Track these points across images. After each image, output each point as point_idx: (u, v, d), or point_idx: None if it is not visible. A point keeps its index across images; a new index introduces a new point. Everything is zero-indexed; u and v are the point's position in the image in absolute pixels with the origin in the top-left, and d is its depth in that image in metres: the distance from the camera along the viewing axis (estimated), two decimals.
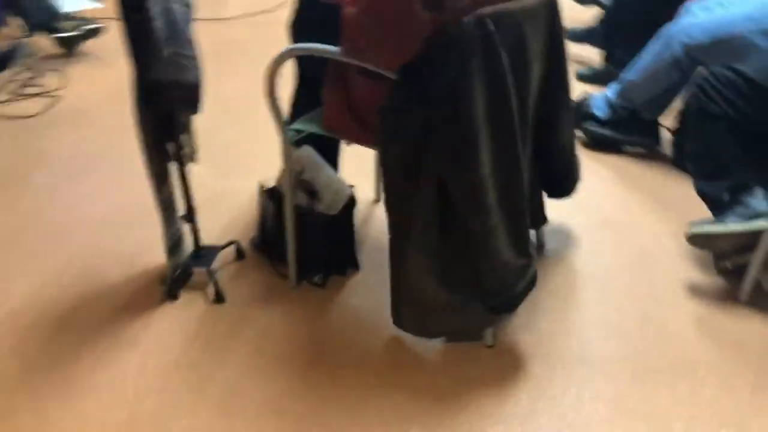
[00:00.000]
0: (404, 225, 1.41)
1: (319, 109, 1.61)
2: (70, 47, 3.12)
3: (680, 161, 2.29)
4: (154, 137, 1.54)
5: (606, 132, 2.38)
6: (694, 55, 2.08)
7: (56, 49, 3.13)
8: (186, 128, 1.61)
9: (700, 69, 1.88)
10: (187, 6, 1.50)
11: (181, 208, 1.68)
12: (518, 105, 1.35)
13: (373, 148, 1.55)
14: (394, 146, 1.36)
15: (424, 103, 1.30)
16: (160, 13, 1.39)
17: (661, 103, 2.28)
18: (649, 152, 2.40)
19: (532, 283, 1.49)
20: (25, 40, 3.04)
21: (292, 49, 1.50)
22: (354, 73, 1.45)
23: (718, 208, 1.70)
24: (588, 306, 1.71)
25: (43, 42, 3.12)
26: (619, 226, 2.02)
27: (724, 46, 2.00)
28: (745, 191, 1.64)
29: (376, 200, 2.11)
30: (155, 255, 1.79)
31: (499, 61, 1.28)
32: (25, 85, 2.84)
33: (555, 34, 1.55)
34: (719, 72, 1.66)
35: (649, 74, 2.21)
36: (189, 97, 1.50)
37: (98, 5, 3.83)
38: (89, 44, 3.16)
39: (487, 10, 1.26)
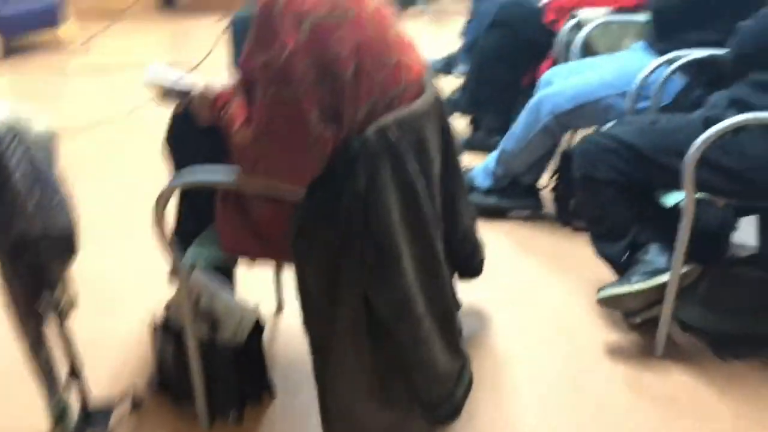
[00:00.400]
0: (329, 346, 1.30)
1: (211, 229, 1.48)
2: None
3: (564, 218, 2.38)
4: (25, 295, 1.32)
5: (491, 200, 2.43)
6: (562, 121, 2.19)
7: None
8: (61, 276, 1.40)
9: (578, 136, 1.98)
10: (48, 148, 1.32)
11: (63, 367, 1.45)
12: (429, 204, 1.31)
13: (281, 262, 1.44)
14: (309, 269, 1.25)
15: (335, 221, 1.22)
16: (18, 162, 1.21)
17: (538, 168, 2.37)
18: (533, 213, 2.48)
19: (470, 385, 1.43)
20: None
21: (181, 181, 1.36)
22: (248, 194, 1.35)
23: (620, 269, 1.75)
24: (520, 388, 1.67)
25: None
26: (527, 297, 2.03)
27: (588, 110, 2.13)
28: (642, 248, 1.70)
29: (279, 309, 1.97)
30: (37, 427, 1.52)
31: (406, 168, 1.24)
32: None
33: (444, 123, 1.55)
34: (596, 140, 1.73)
35: (524, 143, 2.29)
36: (62, 245, 1.31)
37: None
38: None
39: (389, 119, 1.22)
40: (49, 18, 4.87)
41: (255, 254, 1.41)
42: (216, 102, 1.40)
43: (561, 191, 2.35)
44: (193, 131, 1.56)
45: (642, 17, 2.40)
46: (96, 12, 5.89)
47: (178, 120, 1.63)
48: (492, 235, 2.35)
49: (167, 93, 1.55)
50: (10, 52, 4.70)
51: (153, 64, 1.53)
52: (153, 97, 1.58)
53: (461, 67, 3.53)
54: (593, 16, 2.45)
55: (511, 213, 2.47)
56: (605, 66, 2.19)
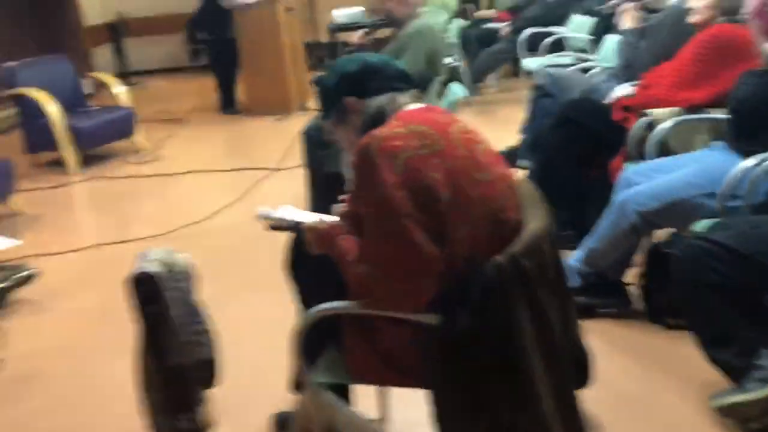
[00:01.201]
0: None
1: (333, 353, 1.54)
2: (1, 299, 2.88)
3: (656, 315, 2.37)
4: (169, 417, 1.39)
5: (580, 299, 2.44)
6: (649, 219, 2.22)
7: None
8: (202, 398, 1.47)
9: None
10: (188, 278, 1.43)
11: None
12: (559, 327, 1.35)
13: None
14: (446, 394, 1.30)
15: (472, 348, 1.27)
16: (173, 297, 1.31)
17: (624, 265, 2.39)
18: (622, 310, 2.48)
19: None
20: None
21: (318, 311, 1.43)
22: (374, 320, 1.41)
23: (733, 375, 1.74)
24: None
25: None
26: (632, 399, 2.01)
27: (676, 209, 2.16)
28: (755, 354, 1.70)
29: (383, 419, 1.99)
30: None
31: (538, 296, 1.29)
32: None
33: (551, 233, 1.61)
34: (698, 244, 1.76)
35: (609, 241, 2.32)
36: (206, 371, 1.39)
37: (16, 243, 3.62)
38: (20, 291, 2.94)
39: (517, 246, 1.29)
40: (125, 129, 5.20)
41: (385, 382, 1.46)
42: (326, 236, 1.49)
43: (651, 288, 2.35)
44: (310, 256, 1.65)
45: (714, 115, 2.47)
46: (159, 118, 6.28)
47: (294, 248, 1.72)
48: (586, 336, 2.36)
49: (276, 225, 1.66)
50: (87, 161, 5.00)
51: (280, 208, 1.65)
52: (263, 227, 1.69)
53: (524, 162, 3.63)
54: (666, 115, 2.53)
55: (599, 311, 2.48)
56: (689, 165, 2.24)
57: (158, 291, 1.26)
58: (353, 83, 1.49)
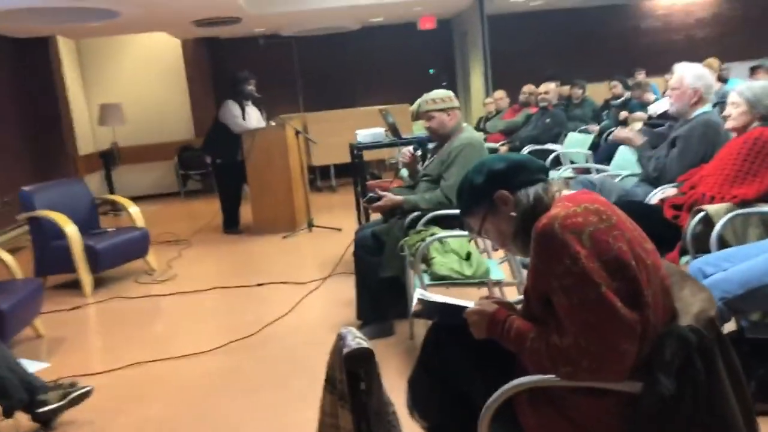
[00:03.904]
0: None
1: None
2: (49, 421, 2.71)
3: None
4: None
5: None
6: (733, 306, 2.32)
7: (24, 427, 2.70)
8: None
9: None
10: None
11: None
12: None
13: None
14: None
15: (679, 413, 1.29)
16: (377, 381, 1.30)
17: None
18: None
19: None
20: None
21: (516, 385, 1.43)
22: (567, 393, 1.42)
23: None
24: None
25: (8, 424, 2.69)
26: None
27: (759, 295, 2.28)
28: None
29: None
30: None
31: (732, 355, 1.34)
32: None
33: None
34: None
35: None
36: None
37: (44, 366, 3.46)
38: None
39: (711, 311, 1.35)
40: (140, 249, 5.17)
41: None
42: (495, 318, 1.53)
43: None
44: (452, 343, 1.67)
45: (765, 209, 2.68)
46: (163, 240, 6.26)
47: (434, 338, 1.74)
48: None
49: (429, 310, 1.69)
50: (98, 283, 4.90)
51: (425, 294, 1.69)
52: (415, 310, 1.71)
53: None
54: (721, 210, 2.72)
55: None
56: (765, 253, 2.39)
57: (375, 367, 1.25)
58: (503, 179, 1.60)
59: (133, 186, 9.19)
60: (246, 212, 6.61)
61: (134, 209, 5.36)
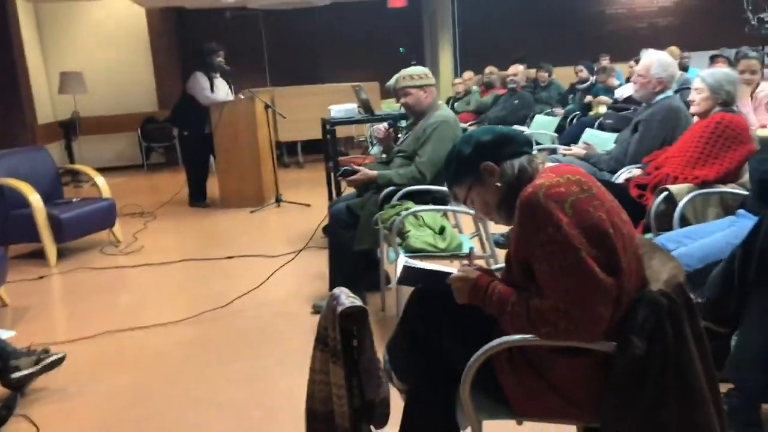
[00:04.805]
0: None
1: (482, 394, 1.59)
2: (22, 387, 2.69)
3: None
4: None
5: None
6: (693, 279, 2.44)
7: None
8: None
9: None
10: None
11: None
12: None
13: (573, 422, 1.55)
14: (624, 424, 1.39)
15: (649, 375, 1.38)
16: (368, 336, 1.36)
17: None
18: None
19: None
20: None
21: (495, 346, 1.50)
22: (545, 354, 1.50)
23: None
24: None
25: None
26: None
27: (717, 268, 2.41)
28: None
29: None
30: None
31: (698, 320, 1.44)
32: None
33: None
34: None
35: None
36: (384, 409, 1.42)
37: (9, 333, 3.42)
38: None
39: (679, 276, 1.45)
40: (107, 220, 5.10)
41: (555, 415, 1.53)
42: (477, 284, 1.60)
43: None
44: (436, 309, 1.73)
45: (729, 189, 2.82)
46: (128, 212, 6.18)
47: (418, 300, 1.80)
48: None
49: (413, 276, 1.74)
50: (63, 253, 4.83)
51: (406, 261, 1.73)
52: (400, 277, 1.77)
53: None
54: (683, 190, 2.85)
55: None
56: (724, 230, 2.52)
57: (368, 326, 1.30)
58: (489, 150, 1.66)
59: (95, 157, 8.99)
60: (212, 186, 6.56)
61: (100, 180, 5.27)
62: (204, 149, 6.36)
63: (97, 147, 9.27)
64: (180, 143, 6.75)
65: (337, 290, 1.48)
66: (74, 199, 5.10)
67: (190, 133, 6.33)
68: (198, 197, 6.50)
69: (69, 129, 8.57)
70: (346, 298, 1.36)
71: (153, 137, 9.29)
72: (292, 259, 3.98)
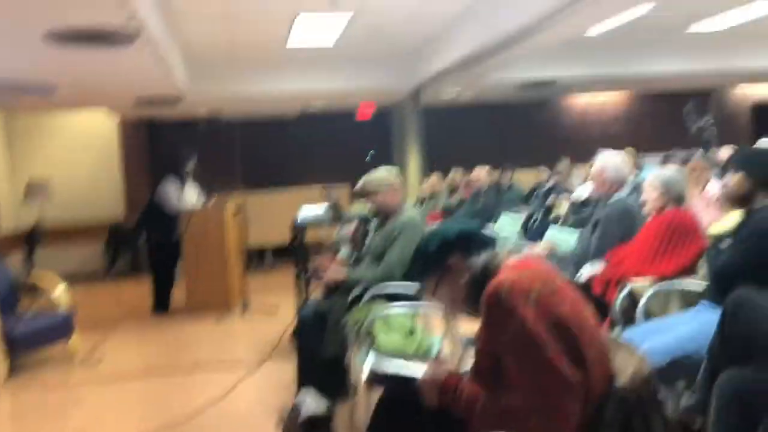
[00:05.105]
0: None
1: None
2: None
3: None
4: None
5: None
6: (661, 375, 2.44)
7: None
8: None
9: None
10: None
11: None
12: None
13: None
14: None
15: None
16: None
17: None
18: None
19: None
20: None
21: None
22: None
23: None
24: None
25: None
26: None
27: (684, 363, 2.42)
28: None
29: None
30: None
31: (663, 411, 1.44)
32: None
33: None
34: None
35: None
36: None
37: None
38: None
39: (645, 371, 1.46)
40: (63, 332, 4.92)
41: None
42: (446, 384, 1.58)
43: None
44: (403, 414, 1.70)
45: (685, 284, 2.89)
46: (92, 322, 5.99)
47: (384, 406, 1.76)
48: None
49: (383, 379, 1.72)
50: (17, 369, 4.61)
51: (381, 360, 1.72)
52: (366, 381, 1.74)
53: None
54: (645, 286, 2.91)
55: None
56: (686, 325, 2.56)
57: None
58: (455, 246, 1.70)
59: (58, 266, 8.79)
60: (178, 293, 6.45)
61: (60, 289, 5.14)
62: (171, 256, 6.31)
63: (61, 255, 9.10)
64: (147, 250, 6.68)
65: (302, 394, 1.44)
66: (29, 312, 4.93)
67: (157, 240, 6.30)
68: (162, 305, 6.37)
69: (33, 237, 8.45)
70: (312, 402, 1.32)
71: (119, 245, 9.20)
72: (257, 368, 3.87)
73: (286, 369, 3.94)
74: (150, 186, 9.18)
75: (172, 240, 6.23)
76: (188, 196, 6.31)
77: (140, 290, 7.13)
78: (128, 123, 9.80)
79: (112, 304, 7.10)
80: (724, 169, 2.68)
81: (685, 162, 5.19)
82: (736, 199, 2.57)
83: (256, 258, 9.21)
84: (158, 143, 10.50)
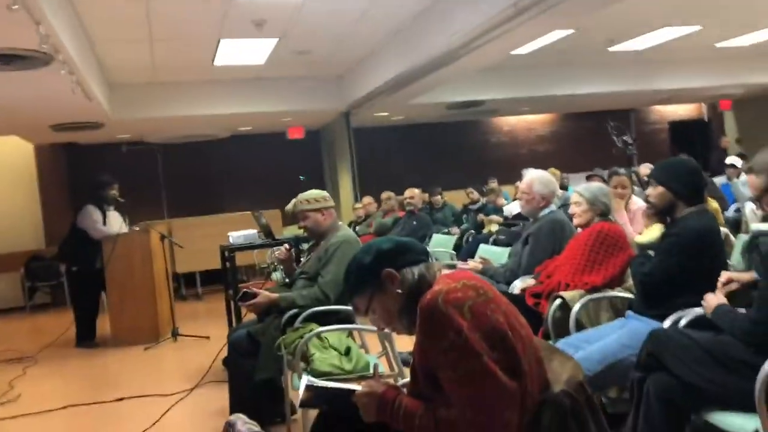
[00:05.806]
0: None
1: None
2: None
3: None
4: None
5: None
6: (594, 382, 2.48)
7: None
8: None
9: None
10: None
11: None
12: None
13: None
14: None
15: None
16: None
17: None
18: None
19: None
20: None
21: None
22: None
23: None
24: None
25: None
26: None
27: (616, 369, 2.48)
28: None
29: None
30: None
31: (601, 418, 1.45)
32: None
33: None
34: None
35: None
36: None
37: None
38: None
39: (579, 376, 1.47)
40: None
41: None
42: (384, 398, 1.55)
43: None
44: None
45: (616, 293, 2.97)
46: (10, 356, 5.63)
47: (322, 423, 1.71)
48: None
49: (317, 397, 1.67)
50: None
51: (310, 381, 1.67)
52: (303, 399, 1.68)
53: None
54: (575, 296, 2.97)
55: None
56: (615, 332, 2.62)
57: None
58: (389, 258, 1.68)
59: None
60: (103, 323, 6.14)
61: None
62: (95, 285, 6.01)
63: None
64: (68, 280, 6.35)
65: (233, 417, 1.37)
66: None
67: (79, 269, 5.99)
68: (86, 337, 6.04)
69: None
70: (243, 425, 1.26)
71: (38, 276, 8.71)
72: (186, 396, 3.71)
73: (219, 396, 3.80)
74: (71, 213, 8.78)
75: (94, 268, 5.94)
76: (111, 222, 6.05)
77: (63, 322, 6.74)
78: (45, 147, 9.36)
79: (32, 337, 6.69)
80: (646, 183, 2.80)
81: (608, 178, 5.39)
82: (659, 211, 2.67)
83: (186, 284, 8.93)
84: (78, 168, 10.08)
